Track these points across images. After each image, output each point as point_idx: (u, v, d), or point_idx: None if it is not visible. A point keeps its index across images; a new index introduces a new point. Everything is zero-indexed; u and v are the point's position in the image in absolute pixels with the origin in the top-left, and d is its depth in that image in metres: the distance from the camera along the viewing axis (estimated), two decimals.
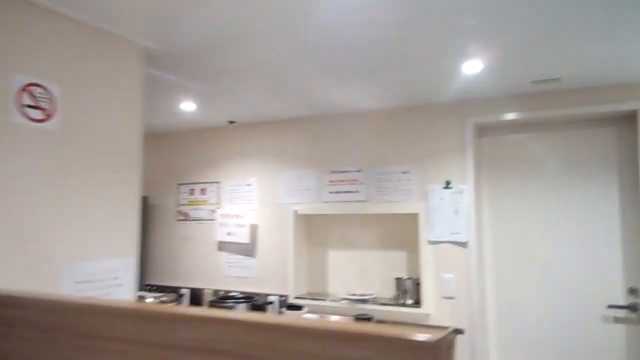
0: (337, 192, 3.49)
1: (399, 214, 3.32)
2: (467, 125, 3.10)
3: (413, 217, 3.22)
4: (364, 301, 3.25)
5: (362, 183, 3.41)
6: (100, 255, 1.93)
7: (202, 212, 4.04)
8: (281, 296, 3.61)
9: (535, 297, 3.05)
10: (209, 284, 3.95)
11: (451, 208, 3.10)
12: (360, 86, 2.85)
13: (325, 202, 3.53)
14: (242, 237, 3.72)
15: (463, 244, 3.07)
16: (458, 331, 3.02)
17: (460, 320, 3.05)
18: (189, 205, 4.10)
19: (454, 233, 3.09)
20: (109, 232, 1.97)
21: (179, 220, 4.15)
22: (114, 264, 1.98)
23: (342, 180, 3.48)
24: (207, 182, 4.05)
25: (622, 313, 2.83)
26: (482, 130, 3.25)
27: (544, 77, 2.66)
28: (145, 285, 4.15)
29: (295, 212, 3.58)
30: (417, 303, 3.17)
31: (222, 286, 3.89)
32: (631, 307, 2.81)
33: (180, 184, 4.17)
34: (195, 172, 4.13)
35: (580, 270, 2.95)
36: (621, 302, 2.84)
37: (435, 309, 3.13)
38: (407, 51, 2.26)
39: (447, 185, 3.13)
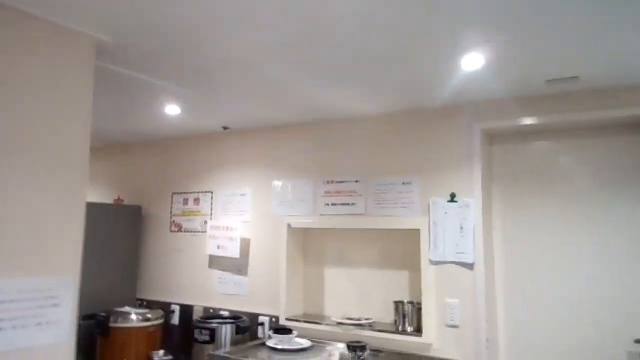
0: (333, 205, 3.20)
1: (400, 230, 2.99)
2: (475, 131, 2.75)
3: (415, 234, 2.89)
4: (360, 327, 2.93)
5: (360, 195, 3.10)
6: (30, 271, 1.70)
7: (196, 224, 3.81)
8: (273, 317, 3.32)
9: (552, 329, 2.65)
10: (200, 301, 3.70)
11: (456, 224, 2.76)
12: (354, 85, 2.55)
13: (322, 215, 3.24)
14: (233, 251, 3.46)
15: (469, 266, 2.71)
16: None
17: (466, 353, 2.68)
18: (183, 215, 3.88)
19: (459, 253, 2.74)
20: (43, 244, 1.74)
21: (173, 231, 3.94)
22: (48, 282, 1.75)
23: (339, 192, 3.18)
24: (200, 192, 3.82)
25: None
26: (492, 138, 2.89)
27: (560, 76, 2.31)
28: (136, 300, 3.94)
29: (289, 225, 3.30)
30: (418, 330, 2.82)
31: (213, 304, 3.63)
32: None
33: (174, 193, 3.96)
34: (189, 181, 3.91)
35: (606, 298, 2.54)
36: None
37: (438, 339, 2.77)
38: (401, 41, 1.95)
39: (452, 198, 2.78)
